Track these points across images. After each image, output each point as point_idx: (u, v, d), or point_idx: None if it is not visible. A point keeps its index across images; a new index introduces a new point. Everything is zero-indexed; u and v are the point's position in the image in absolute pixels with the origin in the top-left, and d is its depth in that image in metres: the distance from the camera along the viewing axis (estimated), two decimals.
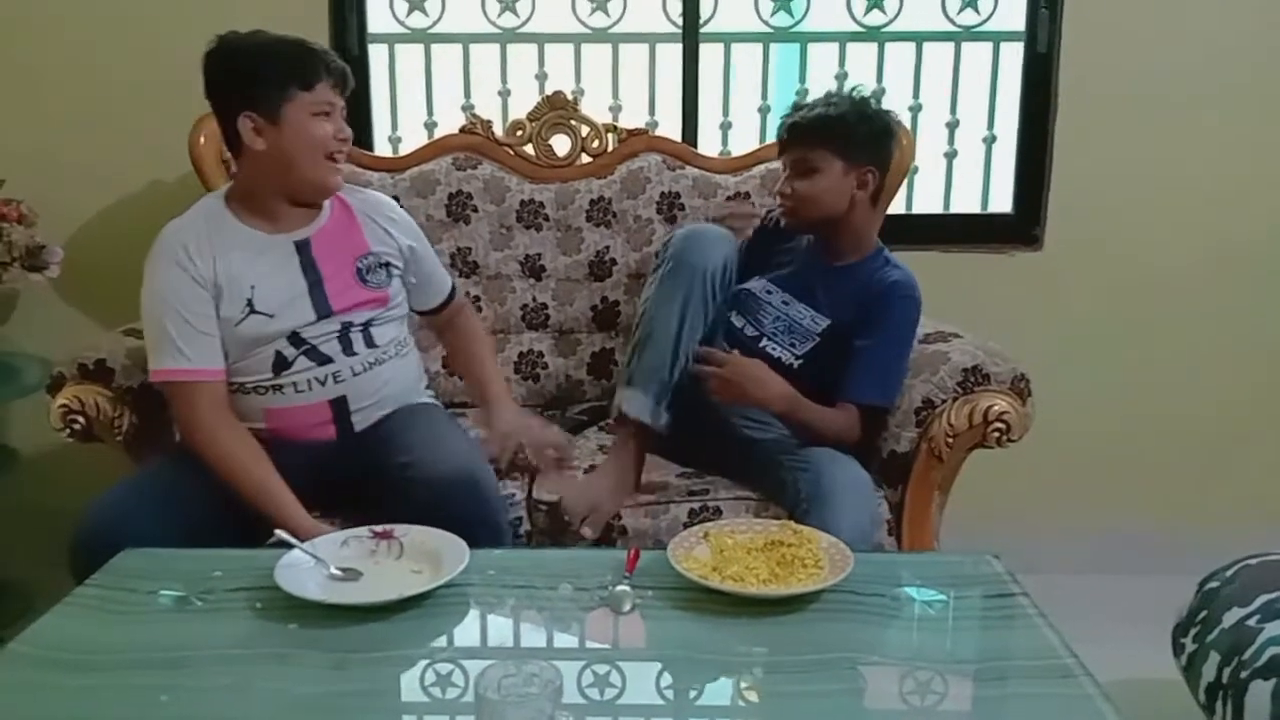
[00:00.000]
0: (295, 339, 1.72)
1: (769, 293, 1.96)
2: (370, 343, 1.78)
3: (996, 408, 1.77)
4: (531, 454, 1.81)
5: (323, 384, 1.73)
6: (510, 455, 1.80)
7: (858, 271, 1.92)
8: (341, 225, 1.80)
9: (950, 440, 1.78)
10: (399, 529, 1.48)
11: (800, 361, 1.90)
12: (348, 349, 1.75)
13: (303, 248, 1.74)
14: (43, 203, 2.34)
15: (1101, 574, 2.48)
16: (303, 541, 1.44)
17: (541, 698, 0.97)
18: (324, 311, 1.72)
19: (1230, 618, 1.73)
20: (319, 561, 1.40)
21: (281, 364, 1.72)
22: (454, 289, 2.04)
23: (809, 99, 1.99)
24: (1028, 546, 2.28)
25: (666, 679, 1.21)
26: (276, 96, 1.65)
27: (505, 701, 0.96)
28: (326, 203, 1.80)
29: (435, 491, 1.57)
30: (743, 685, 1.22)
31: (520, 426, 1.86)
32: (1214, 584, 1.84)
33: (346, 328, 1.75)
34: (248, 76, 1.67)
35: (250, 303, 1.69)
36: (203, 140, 2.21)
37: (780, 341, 1.92)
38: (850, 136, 1.87)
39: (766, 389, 1.76)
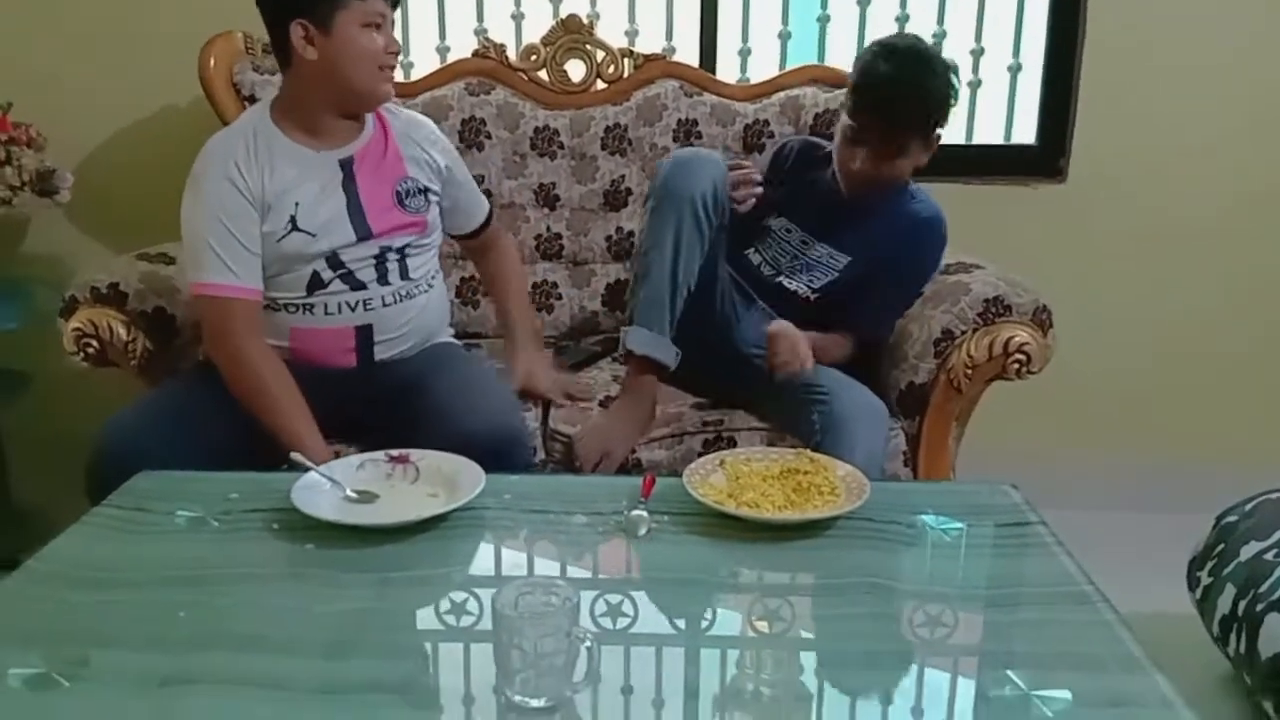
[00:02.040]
0: (334, 260, 1.71)
1: (788, 231, 1.92)
2: (405, 274, 1.77)
3: (1017, 339, 1.75)
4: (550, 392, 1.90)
5: (353, 309, 1.73)
6: (526, 392, 1.89)
7: (883, 207, 1.88)
8: (381, 146, 1.78)
9: (969, 371, 1.76)
10: (415, 453, 1.47)
11: (816, 294, 1.89)
12: (383, 278, 1.75)
13: (346, 165, 1.73)
14: (51, 127, 2.31)
15: (1119, 510, 2.47)
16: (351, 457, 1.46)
17: (559, 614, 0.97)
18: (364, 233, 1.72)
19: (1248, 551, 1.73)
20: (335, 484, 1.40)
21: (316, 283, 1.71)
22: (490, 214, 2.02)
23: (885, 55, 1.78)
24: (1045, 480, 2.26)
25: (682, 603, 1.20)
26: (328, 5, 1.63)
27: (522, 618, 0.96)
28: (368, 120, 1.78)
29: (471, 445, 1.51)
30: (758, 609, 1.22)
31: (540, 374, 1.93)
32: (1232, 518, 1.83)
33: (384, 253, 1.74)
34: None
35: (294, 219, 1.68)
36: (213, 63, 2.18)
37: (798, 279, 1.90)
38: (942, 120, 1.80)
39: (807, 356, 1.75)
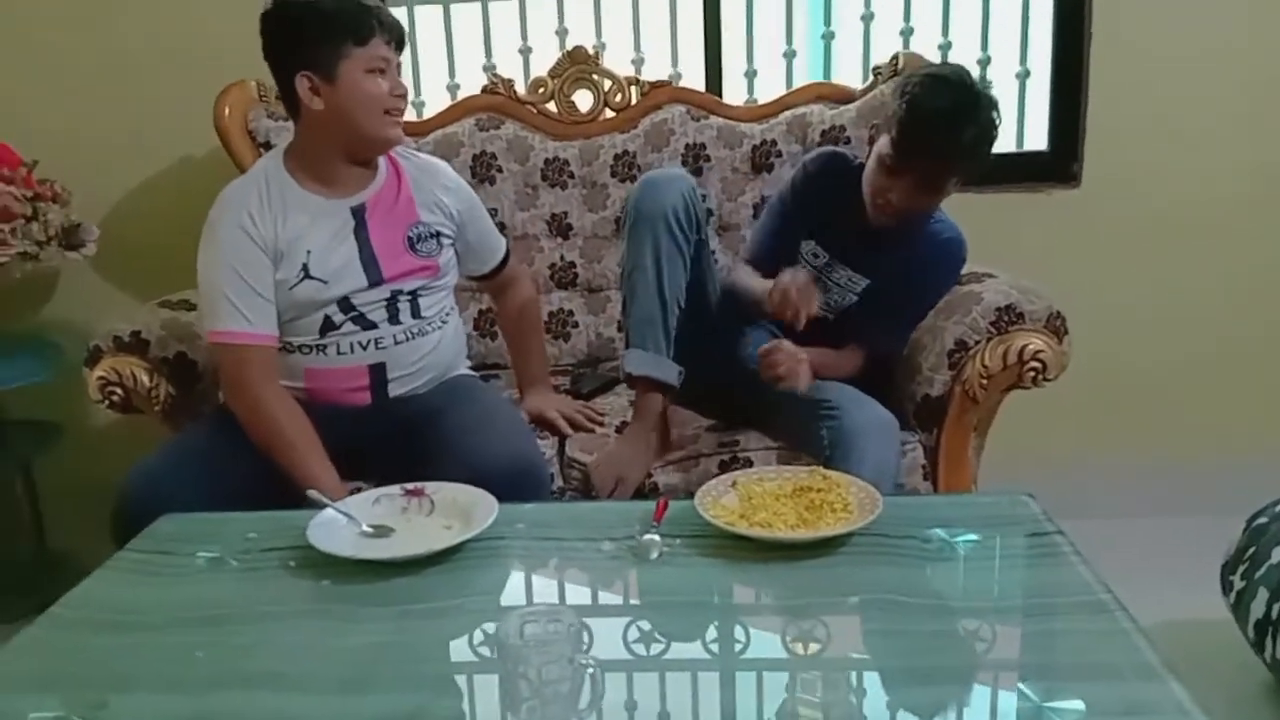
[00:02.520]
0: (345, 304, 1.73)
1: (816, 256, 1.90)
2: (416, 313, 1.78)
3: (1032, 346, 1.73)
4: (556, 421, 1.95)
5: (364, 348, 1.75)
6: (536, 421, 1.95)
7: (906, 231, 1.84)
8: (394, 191, 1.79)
9: (985, 382, 1.75)
10: (430, 486, 1.49)
11: (834, 317, 1.91)
12: (394, 318, 1.76)
13: (358, 213, 1.74)
14: (76, 182, 2.37)
15: (1150, 516, 2.44)
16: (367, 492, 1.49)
17: (563, 642, 0.97)
18: (375, 279, 1.73)
19: (1279, 553, 1.69)
20: (351, 519, 1.41)
21: (329, 326, 1.74)
22: (507, 255, 2.03)
23: (936, 89, 1.71)
24: (1073, 488, 2.26)
25: (689, 627, 1.20)
26: (331, 54, 1.64)
27: (526, 646, 0.97)
28: (382, 166, 1.80)
29: (490, 478, 1.52)
30: (766, 629, 1.21)
31: (548, 406, 1.98)
32: (1262, 520, 1.80)
33: (395, 296, 1.76)
34: (301, 35, 1.66)
35: (305, 267, 1.70)
36: (227, 112, 2.23)
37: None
38: (987, 156, 1.76)
39: (810, 372, 1.73)
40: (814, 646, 1.15)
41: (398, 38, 1.70)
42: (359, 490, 1.57)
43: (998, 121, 1.73)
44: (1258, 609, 1.68)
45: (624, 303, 1.87)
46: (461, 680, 1.15)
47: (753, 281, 1.87)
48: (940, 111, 1.69)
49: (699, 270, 1.83)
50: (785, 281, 1.69)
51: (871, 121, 2.20)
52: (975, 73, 2.47)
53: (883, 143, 1.76)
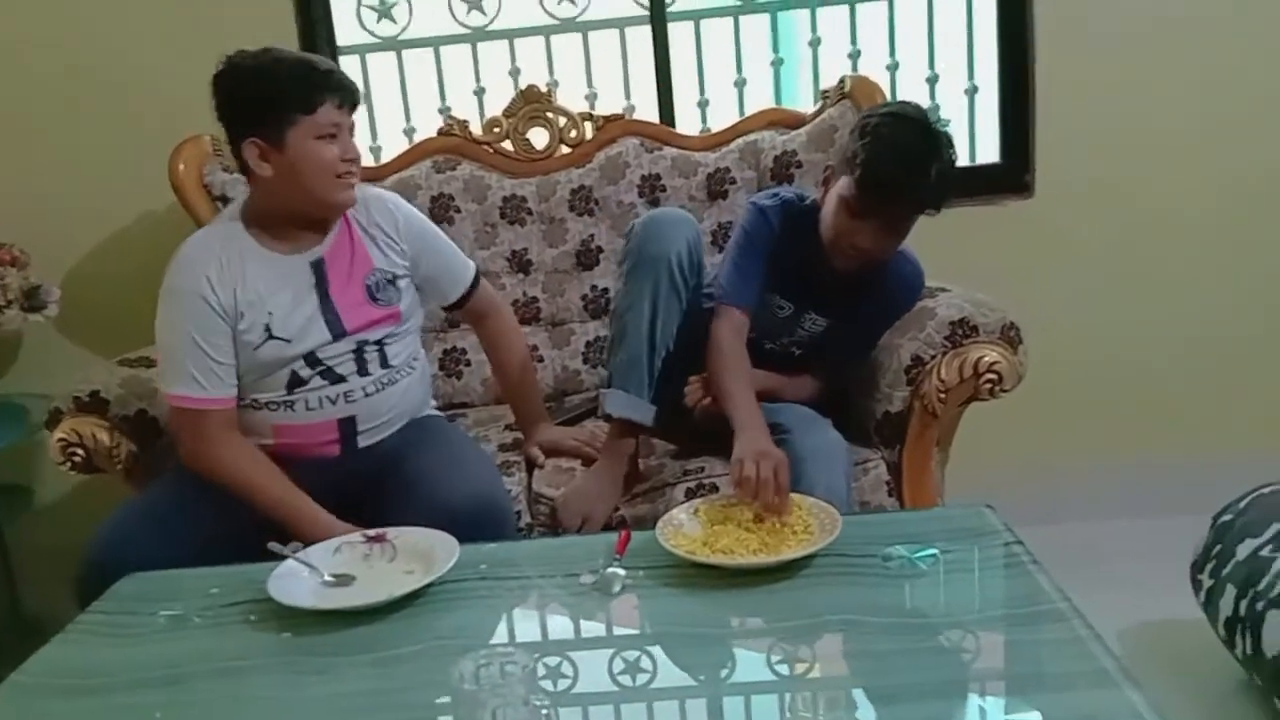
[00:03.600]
0: (311, 359, 1.71)
1: (780, 308, 1.89)
2: (385, 362, 1.77)
3: (987, 358, 1.75)
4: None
5: (334, 403, 1.74)
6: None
7: (868, 272, 1.82)
8: (347, 240, 1.77)
9: (943, 396, 1.76)
10: (391, 531, 1.49)
11: (800, 352, 1.92)
12: (362, 369, 1.75)
13: (317, 267, 1.73)
14: (34, 244, 2.38)
15: (1120, 519, 2.45)
16: (328, 539, 1.49)
17: (516, 683, 0.97)
18: (338, 332, 1.71)
19: (1244, 549, 1.71)
20: (313, 570, 1.41)
21: (296, 382, 1.72)
22: (476, 280, 1.95)
23: (897, 133, 1.67)
24: (1042, 497, 2.28)
25: (644, 659, 1.20)
26: (279, 122, 1.61)
27: (482, 690, 0.97)
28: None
29: (455, 518, 1.52)
30: (721, 656, 1.21)
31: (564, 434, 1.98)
32: (1227, 517, 1.81)
33: (361, 347, 1.74)
34: (249, 102, 1.63)
35: (268, 328, 1.68)
36: (182, 167, 2.24)
37: (779, 341, 1.92)
38: (950, 193, 1.74)
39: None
40: (777, 670, 1.15)
41: (350, 100, 1.66)
42: None
43: (954, 156, 1.72)
44: (1226, 606, 1.69)
45: (611, 339, 1.86)
46: None
47: (736, 393, 1.74)
48: (907, 153, 1.66)
49: (692, 313, 1.81)
50: (748, 474, 1.48)
51: (822, 146, 2.23)
52: (925, 90, 2.54)
53: (844, 184, 1.71)
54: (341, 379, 1.73)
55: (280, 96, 1.62)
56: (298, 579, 1.39)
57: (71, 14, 2.45)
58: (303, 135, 1.62)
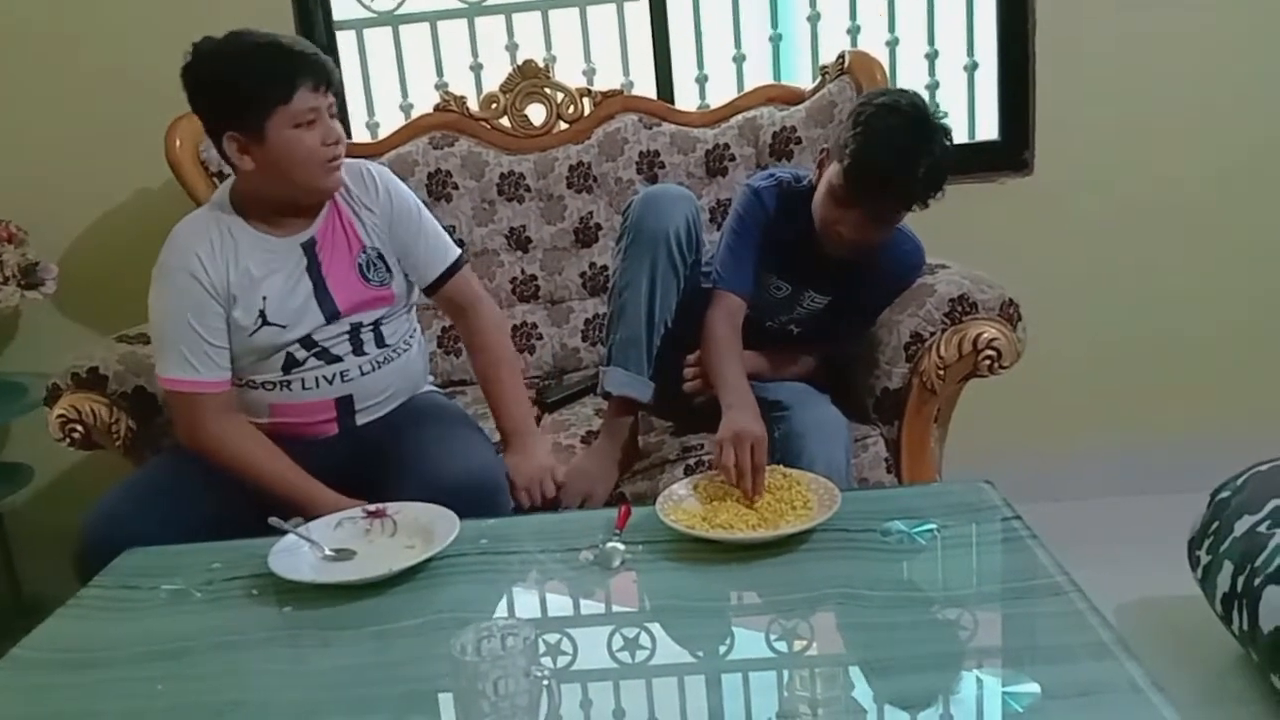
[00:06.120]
0: (307, 341, 1.70)
1: (778, 288, 1.89)
2: (380, 341, 1.76)
3: (986, 335, 1.75)
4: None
5: (330, 382, 1.73)
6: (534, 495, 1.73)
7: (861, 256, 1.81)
8: (336, 221, 1.75)
9: (941, 372, 1.76)
10: (392, 506, 1.49)
11: (799, 329, 1.92)
12: (358, 349, 1.74)
13: (309, 248, 1.71)
14: (32, 221, 2.37)
15: (1119, 495, 2.46)
16: (328, 514, 1.49)
17: (518, 655, 0.97)
18: (331, 312, 1.70)
19: (1241, 526, 1.71)
20: (313, 544, 1.41)
21: (292, 363, 1.71)
22: (457, 266, 1.84)
23: (891, 123, 1.64)
24: (1042, 474, 2.29)
25: (644, 633, 1.21)
26: (255, 114, 1.57)
27: (483, 662, 0.97)
28: None
29: (452, 496, 1.51)
30: (722, 631, 1.22)
31: (545, 472, 1.74)
32: (1225, 493, 1.82)
33: (357, 328, 1.73)
34: (221, 95, 1.59)
35: (263, 314, 1.67)
36: (178, 144, 2.22)
37: (778, 319, 1.91)
38: (942, 187, 1.71)
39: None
40: (775, 644, 1.16)
41: (325, 79, 1.61)
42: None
43: (951, 150, 1.69)
44: (1224, 582, 1.70)
45: (609, 317, 1.85)
46: (426, 699, 1.15)
47: (727, 376, 1.72)
48: (893, 148, 1.63)
49: (690, 290, 1.81)
50: (726, 462, 1.47)
51: (822, 122, 2.22)
52: (924, 67, 2.53)
53: (833, 171, 1.70)
54: (337, 359, 1.73)
55: (253, 87, 1.57)
56: (298, 554, 1.39)
57: None
58: (281, 125, 1.58)
